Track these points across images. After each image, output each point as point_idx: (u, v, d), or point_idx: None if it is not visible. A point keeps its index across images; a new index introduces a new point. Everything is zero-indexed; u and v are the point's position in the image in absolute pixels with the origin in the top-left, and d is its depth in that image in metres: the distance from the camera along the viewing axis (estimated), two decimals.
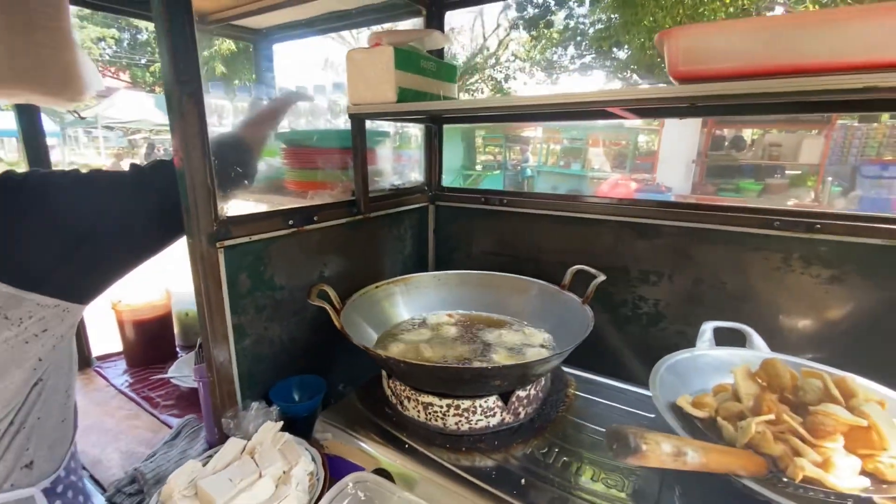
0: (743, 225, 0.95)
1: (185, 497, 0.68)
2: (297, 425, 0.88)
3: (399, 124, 1.29)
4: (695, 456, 0.45)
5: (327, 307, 0.84)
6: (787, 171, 6.01)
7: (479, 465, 0.73)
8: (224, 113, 1.42)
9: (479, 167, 9.72)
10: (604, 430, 0.80)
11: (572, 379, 0.96)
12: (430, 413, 0.78)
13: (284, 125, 1.39)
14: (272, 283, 0.90)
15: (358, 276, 1.07)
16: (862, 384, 0.65)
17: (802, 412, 0.60)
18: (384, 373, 0.89)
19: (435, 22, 1.21)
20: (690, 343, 1.03)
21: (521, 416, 0.81)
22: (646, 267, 1.08)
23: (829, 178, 5.28)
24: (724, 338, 0.86)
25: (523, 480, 0.68)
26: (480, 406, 0.77)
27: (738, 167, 6.10)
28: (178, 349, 1.43)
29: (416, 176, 1.32)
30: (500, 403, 0.78)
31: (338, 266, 1.05)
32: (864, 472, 0.54)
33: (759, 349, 0.81)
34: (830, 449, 0.54)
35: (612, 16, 7.96)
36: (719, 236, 0.98)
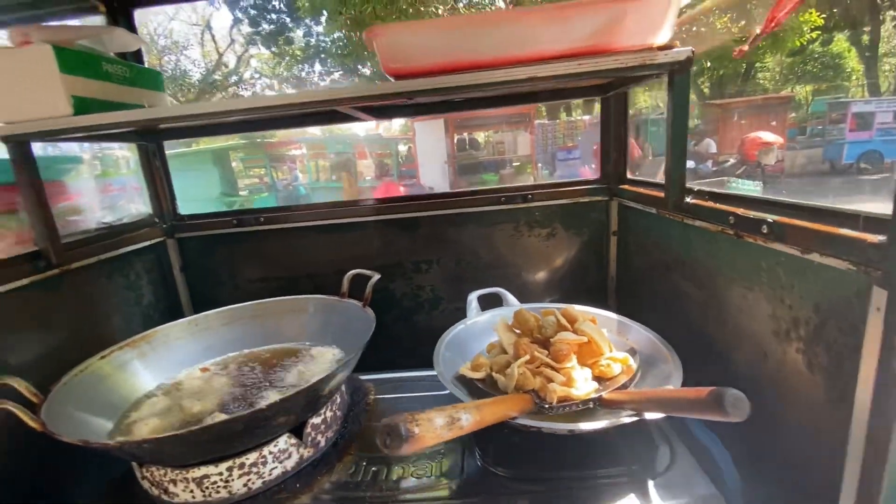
0: (480, 205, 1.10)
1: None
2: None
3: (96, 147, 1.02)
4: (468, 417, 0.48)
5: (10, 406, 0.58)
6: (513, 163, 7.51)
7: None
8: None
9: (244, 192, 8.86)
10: None
11: (371, 385, 0.94)
12: (206, 488, 0.63)
13: None
14: None
15: (71, 352, 0.79)
16: (580, 309, 0.83)
17: (548, 346, 0.72)
18: (134, 464, 0.68)
19: (122, 21, 1.00)
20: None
21: (322, 444, 0.74)
22: (416, 258, 1.15)
23: (540, 164, 6.86)
24: (488, 303, 0.98)
25: None
26: (271, 452, 0.66)
27: (479, 163, 7.30)
28: None
29: (137, 207, 1.07)
30: (293, 441, 0.69)
31: (31, 346, 0.75)
32: (595, 378, 0.69)
33: (513, 305, 0.95)
34: (570, 368, 0.66)
35: (350, 33, 8.36)
36: (466, 218, 1.11)
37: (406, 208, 1.12)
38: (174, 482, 0.63)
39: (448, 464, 0.69)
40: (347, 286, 0.98)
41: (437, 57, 0.66)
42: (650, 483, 0.61)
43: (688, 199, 0.75)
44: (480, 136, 8.19)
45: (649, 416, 0.56)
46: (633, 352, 0.75)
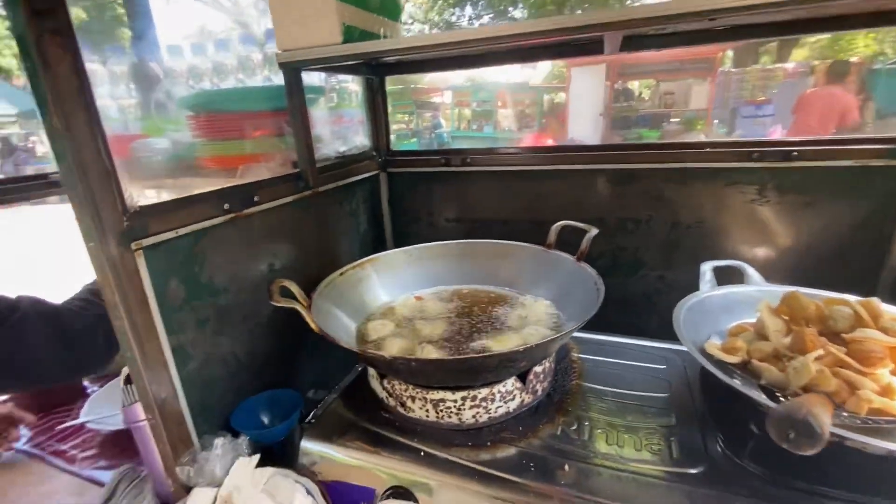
0: (717, 160, 0.93)
1: None
2: (274, 453, 0.72)
3: (332, 80, 1.10)
4: (827, 419, 0.39)
5: (297, 306, 0.67)
6: (679, 118, 6.54)
7: (507, 455, 0.64)
8: (96, 80, 1.11)
9: (392, 137, 9.38)
10: (625, 391, 0.75)
11: (573, 343, 0.90)
12: (441, 410, 0.67)
13: (178, 91, 1.12)
14: (213, 286, 0.71)
15: (312, 265, 0.90)
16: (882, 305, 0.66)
17: (837, 342, 0.59)
18: (372, 372, 0.75)
19: None
20: (670, 287, 1.02)
21: (539, 392, 0.73)
22: (622, 215, 1.04)
23: (716, 121, 5.84)
24: (722, 278, 0.84)
25: (566, 466, 0.60)
26: (499, 392, 0.67)
27: (638, 117, 6.52)
28: (84, 384, 1.14)
29: (360, 140, 1.14)
30: (518, 385, 0.69)
31: (290, 255, 0.86)
32: None
33: (756, 283, 0.81)
34: (883, 375, 0.52)
35: None
36: (693, 174, 0.96)
37: (620, 158, 1.00)
38: (413, 399, 0.68)
39: (685, 443, 0.63)
40: (555, 238, 0.93)
41: None
42: None
43: None
44: (645, 85, 7.26)
45: None
46: None
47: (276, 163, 0.88)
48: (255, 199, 0.76)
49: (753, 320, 0.70)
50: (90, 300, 0.83)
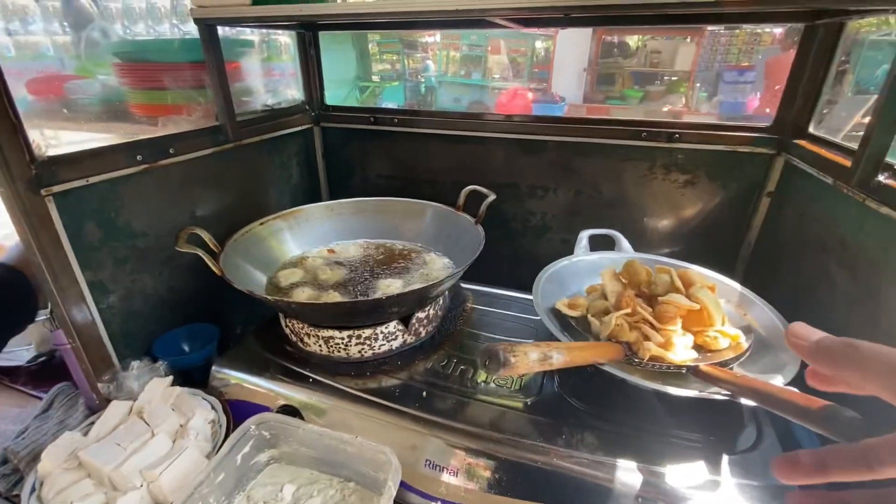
0: (616, 137, 1.01)
1: (67, 471, 0.63)
2: (194, 377, 0.84)
3: (265, 31, 1.11)
4: (559, 357, 0.51)
5: (200, 252, 0.76)
6: (664, 78, 6.47)
7: (384, 385, 0.76)
8: (28, 15, 1.11)
9: (376, 77, 9.02)
10: (497, 336, 0.88)
11: (470, 294, 1.02)
12: (331, 346, 0.79)
13: (116, 31, 1.13)
14: (130, 230, 0.79)
15: (239, 214, 0.98)
16: (700, 272, 0.78)
17: (654, 303, 0.71)
18: (280, 315, 0.86)
19: None
20: (572, 250, 1.13)
21: (423, 335, 0.85)
22: (533, 182, 1.13)
23: (698, 84, 5.81)
24: (599, 244, 0.96)
25: (424, 393, 0.73)
26: (382, 332, 0.79)
27: (625, 74, 6.41)
28: None
29: (293, 94, 1.18)
30: (400, 327, 0.80)
31: (212, 204, 0.94)
32: (696, 346, 0.67)
33: (625, 251, 0.92)
34: (672, 331, 0.65)
35: None
36: (597, 149, 1.04)
37: (536, 129, 1.07)
38: (308, 335, 0.80)
39: (527, 381, 0.76)
40: (463, 200, 1.02)
41: None
42: (725, 457, 0.61)
43: (880, 178, 0.61)
44: (632, 41, 7.07)
45: (744, 401, 0.55)
46: (747, 330, 0.70)
47: (198, 115, 0.93)
48: (171, 151, 0.82)
49: None
50: None
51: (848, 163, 0.69)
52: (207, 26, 0.83)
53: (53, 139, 0.96)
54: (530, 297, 1.00)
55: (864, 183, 0.64)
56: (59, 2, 1.13)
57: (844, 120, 1.11)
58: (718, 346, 0.66)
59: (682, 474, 0.58)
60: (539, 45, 8.89)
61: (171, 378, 0.77)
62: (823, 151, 0.79)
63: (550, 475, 0.62)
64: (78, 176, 0.68)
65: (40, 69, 1.10)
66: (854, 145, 0.70)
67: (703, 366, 0.62)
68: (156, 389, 0.74)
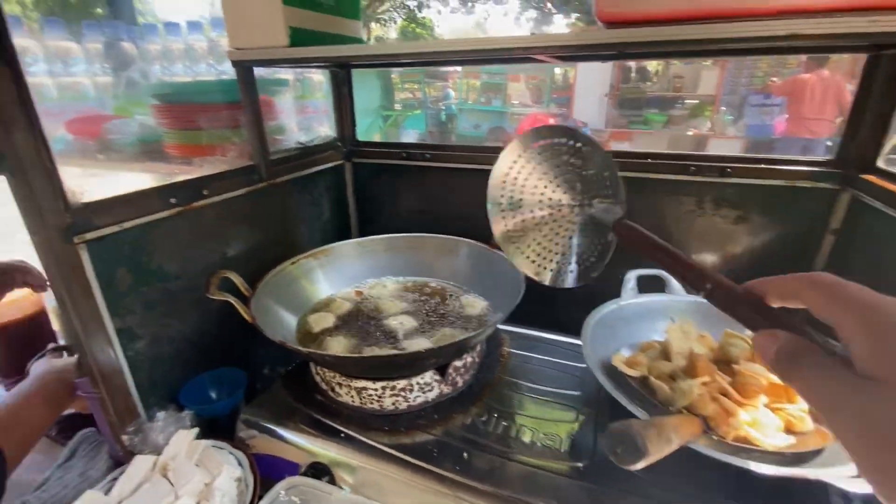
0: (660, 171, 0.96)
1: None
2: (219, 426, 0.80)
3: (299, 70, 1.12)
4: (674, 438, 0.45)
5: (231, 299, 0.73)
6: (688, 102, 6.41)
7: (419, 442, 0.70)
8: (71, 57, 1.14)
9: (398, 106, 9.22)
10: (539, 386, 0.81)
11: (506, 336, 0.96)
12: (364, 397, 0.74)
13: (153, 71, 1.15)
14: (162, 273, 0.77)
15: (270, 252, 0.96)
16: None
17: (726, 369, 0.64)
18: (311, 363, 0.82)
19: None
20: (613, 289, 1.06)
21: (460, 384, 0.80)
22: None
23: (723, 108, 5.73)
24: (646, 284, 0.89)
25: (465, 454, 0.67)
26: (417, 383, 0.73)
27: (645, 99, 6.38)
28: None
29: (325, 130, 1.17)
30: (437, 377, 0.75)
31: (243, 243, 0.92)
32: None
33: (676, 293, 0.85)
34: (756, 407, 0.58)
35: None
36: (641, 183, 0.99)
37: None
38: (340, 385, 0.75)
39: (578, 440, 0.69)
40: None
41: (681, 2, 0.54)
42: None
43: None
44: (652, 66, 7.07)
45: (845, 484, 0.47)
46: None
47: (233, 154, 0.92)
48: (205, 192, 0.80)
49: (663, 336, 0.75)
50: None
51: None
52: (245, 68, 0.83)
53: (92, 175, 0.97)
54: (570, 339, 0.95)
55: None
56: (101, 44, 1.16)
57: None
58: (805, 427, 0.58)
59: None
60: (558, 71, 8.99)
61: (196, 430, 0.73)
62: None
63: None
64: (112, 221, 0.66)
65: (80, 109, 1.13)
66: None
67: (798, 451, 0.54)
68: (181, 443, 0.70)
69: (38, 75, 1.08)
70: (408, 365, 0.70)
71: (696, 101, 6.24)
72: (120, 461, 0.77)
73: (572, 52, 0.63)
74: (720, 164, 0.90)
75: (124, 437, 0.71)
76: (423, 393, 0.75)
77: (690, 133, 5.73)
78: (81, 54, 1.14)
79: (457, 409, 0.76)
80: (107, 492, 0.65)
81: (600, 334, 0.76)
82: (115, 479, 0.67)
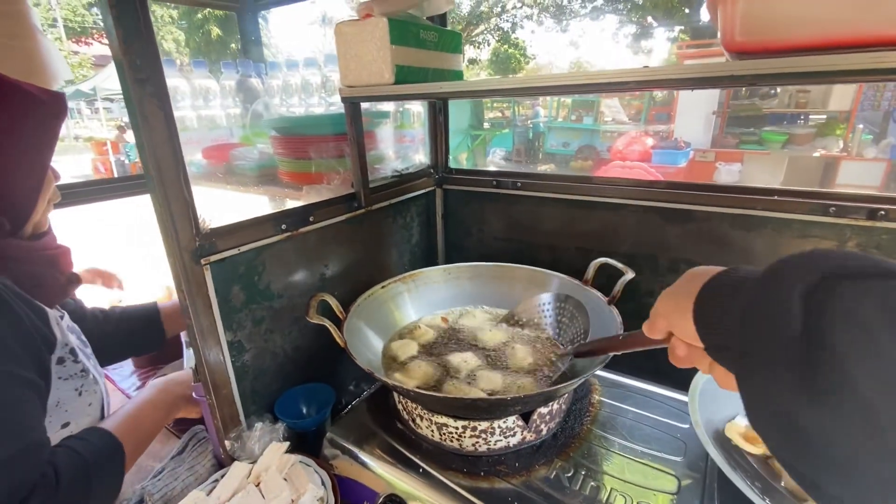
0: (790, 210, 0.84)
1: None
2: (307, 440, 0.84)
3: (399, 102, 1.17)
4: None
5: (327, 324, 0.77)
6: (812, 118, 5.66)
7: (497, 489, 0.67)
8: (210, 95, 1.31)
9: (486, 125, 9.34)
10: (634, 445, 0.74)
11: (597, 382, 0.89)
12: (444, 434, 0.73)
13: (274, 103, 1.28)
14: (269, 292, 0.83)
15: (363, 273, 1.00)
16: None
17: None
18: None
19: None
20: None
21: (544, 432, 0.75)
22: (676, 255, 0.99)
23: (860, 126, 4.95)
24: None
25: None
26: (499, 427, 0.71)
27: (761, 116, 5.75)
28: (185, 344, 1.39)
29: (420, 158, 1.21)
30: (520, 423, 0.71)
31: (340, 265, 0.97)
32: None
33: None
34: None
35: None
36: (762, 222, 0.87)
37: (675, 197, 0.95)
38: (421, 417, 0.75)
39: None
40: (593, 273, 0.92)
41: (824, 29, 0.47)
42: None
43: None
44: None
45: None
46: None
47: (336, 182, 0.98)
48: (311, 219, 0.86)
49: None
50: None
51: None
52: (352, 104, 0.88)
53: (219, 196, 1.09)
54: (672, 394, 0.86)
55: None
56: (234, 81, 1.32)
57: None
58: None
59: None
60: None
61: (287, 444, 0.77)
62: None
63: None
64: (232, 245, 0.74)
65: (214, 138, 1.29)
66: None
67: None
68: (273, 455, 0.75)
69: (183, 109, 1.26)
70: (491, 409, 0.67)
71: (824, 118, 5.48)
72: (222, 463, 0.84)
73: (692, 87, 0.57)
74: (871, 204, 0.76)
75: (227, 443, 0.77)
76: (505, 438, 0.72)
77: (817, 154, 5.03)
78: (218, 90, 1.31)
79: (539, 460, 0.72)
80: (209, 493, 0.71)
81: (711, 393, 0.68)
82: (217, 480, 0.73)
